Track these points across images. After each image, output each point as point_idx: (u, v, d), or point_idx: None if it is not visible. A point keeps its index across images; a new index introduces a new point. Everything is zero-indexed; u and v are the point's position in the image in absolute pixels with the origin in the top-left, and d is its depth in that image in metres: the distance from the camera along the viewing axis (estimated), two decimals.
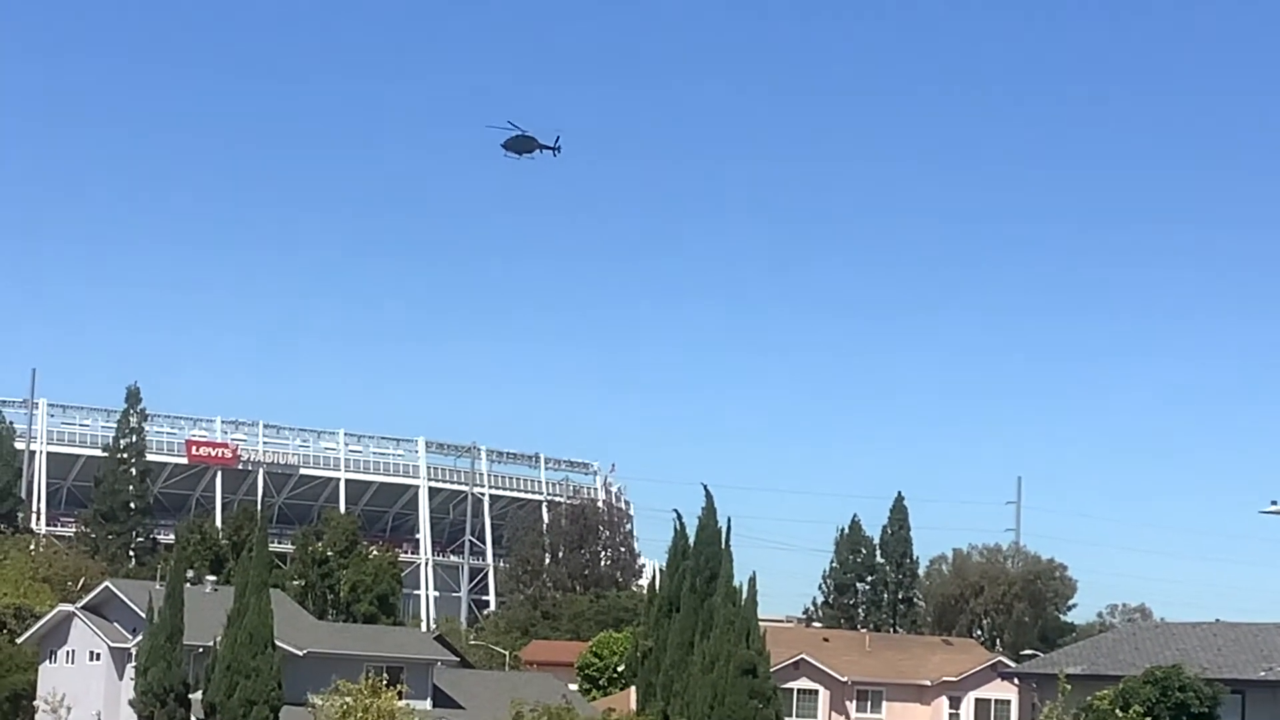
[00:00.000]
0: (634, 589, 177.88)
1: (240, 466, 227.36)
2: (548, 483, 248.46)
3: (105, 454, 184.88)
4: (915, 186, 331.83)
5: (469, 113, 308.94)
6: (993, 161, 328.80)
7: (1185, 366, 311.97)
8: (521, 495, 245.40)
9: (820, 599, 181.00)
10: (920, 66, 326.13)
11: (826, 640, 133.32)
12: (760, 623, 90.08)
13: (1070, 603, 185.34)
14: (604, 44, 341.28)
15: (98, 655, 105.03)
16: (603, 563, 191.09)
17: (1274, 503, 68.11)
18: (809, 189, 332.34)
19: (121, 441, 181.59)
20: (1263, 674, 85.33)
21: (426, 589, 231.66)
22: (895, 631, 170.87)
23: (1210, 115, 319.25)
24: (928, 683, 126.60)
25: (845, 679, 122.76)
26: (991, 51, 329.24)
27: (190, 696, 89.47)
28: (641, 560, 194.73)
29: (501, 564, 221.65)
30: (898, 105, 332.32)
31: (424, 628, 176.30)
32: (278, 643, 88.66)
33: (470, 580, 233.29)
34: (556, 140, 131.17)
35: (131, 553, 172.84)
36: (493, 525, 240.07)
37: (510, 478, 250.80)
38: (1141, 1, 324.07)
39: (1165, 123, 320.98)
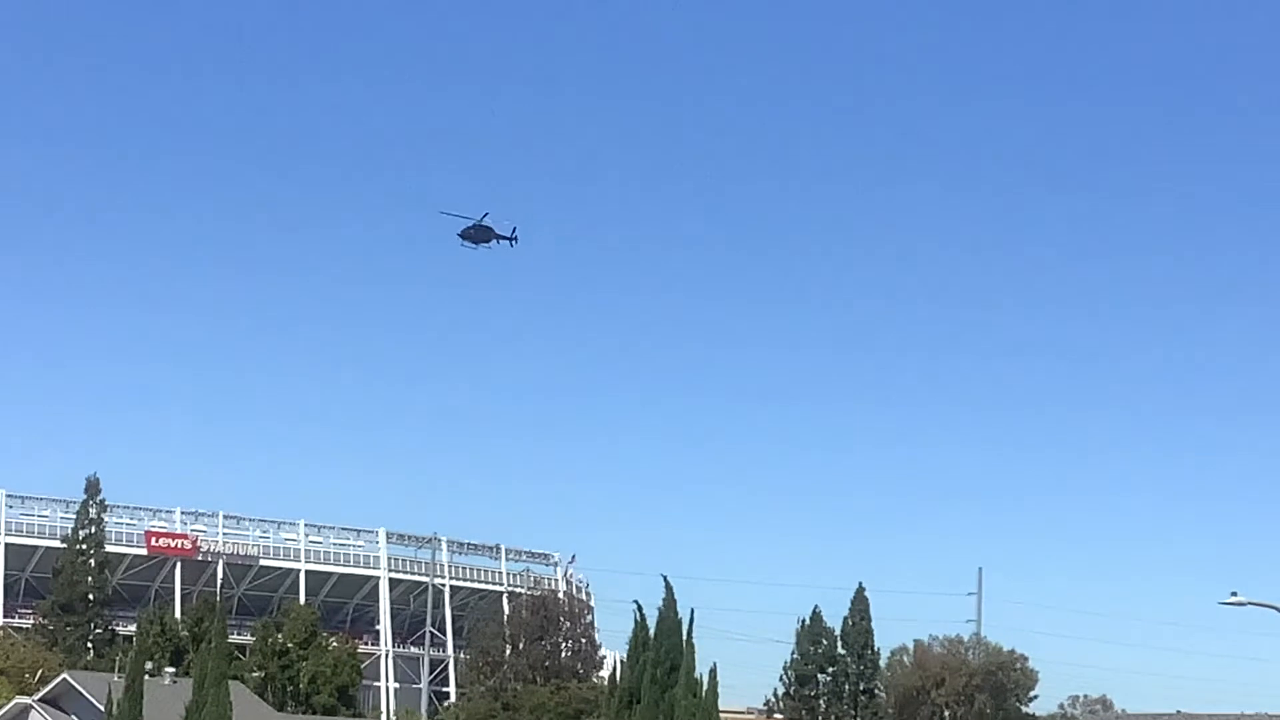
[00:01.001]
0: (595, 680, 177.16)
1: (200, 558, 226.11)
2: (508, 574, 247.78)
3: (64, 545, 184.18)
4: (878, 274, 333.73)
5: (426, 201, 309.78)
6: (952, 252, 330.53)
7: (1144, 459, 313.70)
8: (482, 586, 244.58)
9: (781, 690, 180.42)
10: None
11: None
12: (722, 714, 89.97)
13: (1032, 694, 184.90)
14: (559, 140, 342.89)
15: None
16: (564, 654, 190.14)
17: (1234, 594, 68.24)
18: (770, 273, 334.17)
19: (80, 532, 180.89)
20: None
21: (387, 680, 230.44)
22: None
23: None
24: None
25: None
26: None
27: None
28: (602, 651, 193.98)
29: (462, 655, 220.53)
30: (854, 201, 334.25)
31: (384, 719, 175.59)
32: None
33: (431, 671, 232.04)
34: (513, 231, 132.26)
35: (90, 644, 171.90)
36: (453, 616, 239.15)
37: (471, 569, 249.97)
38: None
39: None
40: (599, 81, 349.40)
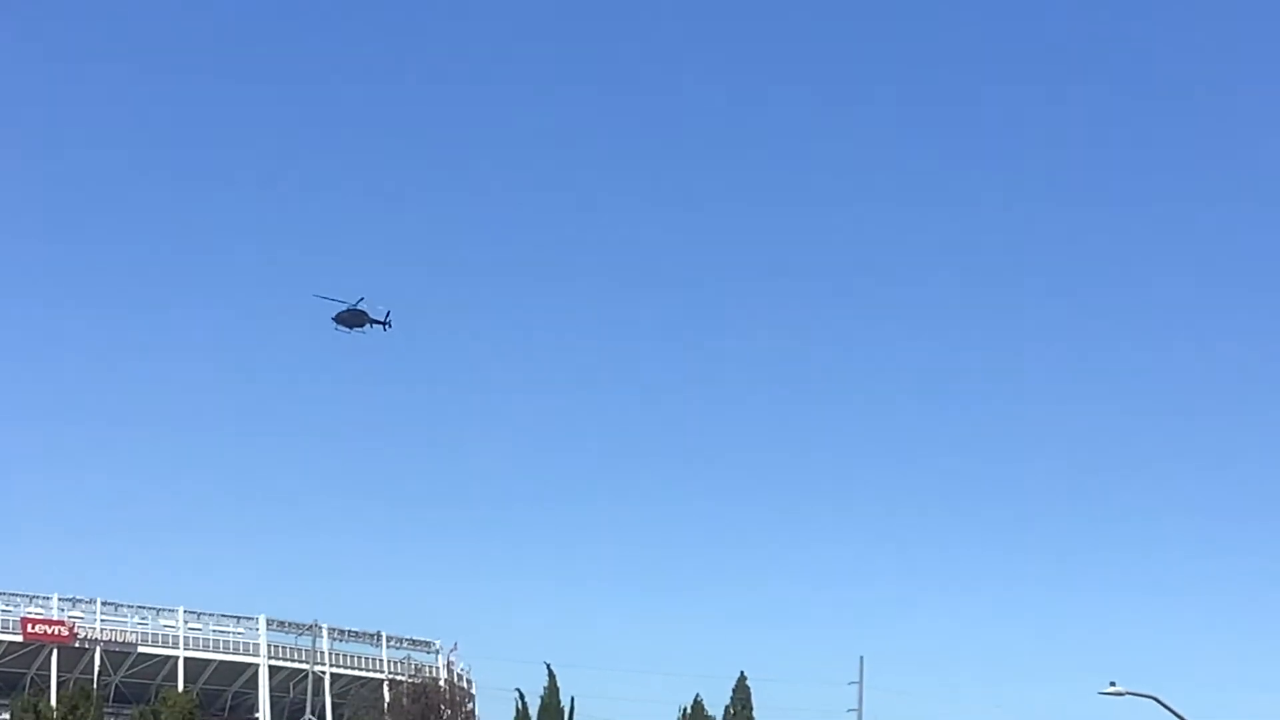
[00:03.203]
0: None
1: (77, 645, 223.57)
2: (389, 661, 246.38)
3: None
4: (752, 371, 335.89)
5: (299, 281, 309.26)
6: (831, 340, 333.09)
7: (1023, 548, 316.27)
8: (363, 674, 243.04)
9: None
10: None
11: None
12: None
13: None
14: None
15: None
16: None
17: (1112, 684, 69.09)
18: (630, 360, 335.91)
19: None
20: None
21: None
22: None
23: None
24: None
25: None
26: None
27: None
28: None
29: None
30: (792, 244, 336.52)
31: None
32: None
33: None
34: (387, 315, 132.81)
35: None
36: (334, 704, 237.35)
37: (352, 656, 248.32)
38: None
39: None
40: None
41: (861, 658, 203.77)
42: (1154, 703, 68.81)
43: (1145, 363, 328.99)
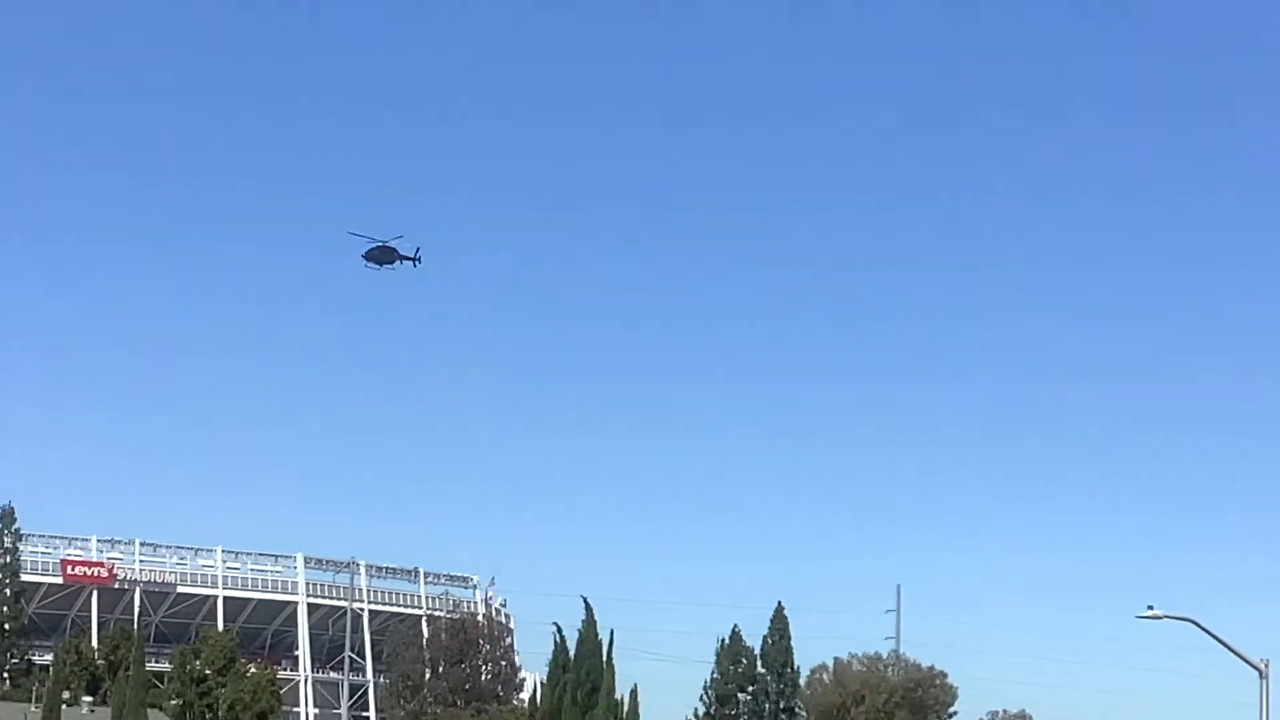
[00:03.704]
0: (515, 703, 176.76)
1: (116, 586, 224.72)
2: (427, 597, 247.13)
3: None
4: (811, 294, 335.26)
5: (337, 220, 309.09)
6: (886, 270, 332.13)
7: (1060, 472, 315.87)
8: (401, 610, 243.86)
9: (701, 710, 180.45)
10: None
11: None
12: None
13: (951, 710, 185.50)
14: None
15: None
16: (484, 677, 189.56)
17: (1150, 607, 68.77)
18: (686, 291, 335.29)
19: None
20: None
21: (306, 706, 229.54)
22: None
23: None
24: None
25: None
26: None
27: None
28: (523, 674, 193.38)
29: (382, 679, 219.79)
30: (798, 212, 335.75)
31: None
32: None
33: (350, 696, 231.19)
34: (417, 252, 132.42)
35: (6, 675, 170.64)
36: (372, 641, 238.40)
37: (389, 593, 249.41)
38: None
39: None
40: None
41: (899, 586, 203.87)
42: (1192, 625, 68.55)
43: (1189, 283, 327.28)
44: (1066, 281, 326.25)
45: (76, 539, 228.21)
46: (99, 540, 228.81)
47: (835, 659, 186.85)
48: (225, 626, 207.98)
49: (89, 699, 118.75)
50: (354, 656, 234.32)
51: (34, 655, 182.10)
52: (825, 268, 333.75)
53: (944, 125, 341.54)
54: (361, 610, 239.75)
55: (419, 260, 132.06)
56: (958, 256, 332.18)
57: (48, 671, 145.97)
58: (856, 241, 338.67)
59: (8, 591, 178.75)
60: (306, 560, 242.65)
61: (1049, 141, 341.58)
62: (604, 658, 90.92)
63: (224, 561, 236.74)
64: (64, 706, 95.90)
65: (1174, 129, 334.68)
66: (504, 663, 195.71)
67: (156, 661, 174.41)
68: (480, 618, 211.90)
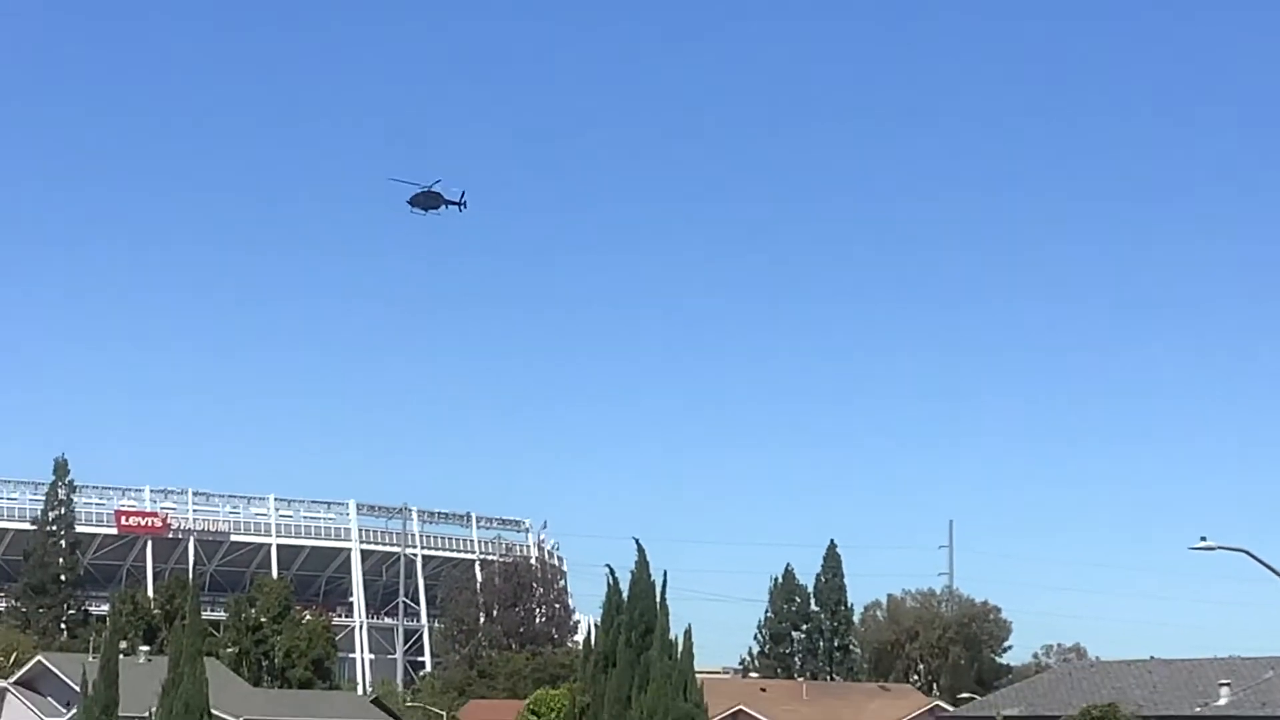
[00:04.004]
0: (569, 645, 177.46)
1: (170, 535, 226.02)
2: (480, 541, 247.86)
3: (34, 527, 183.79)
4: (843, 224, 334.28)
5: (383, 162, 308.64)
6: (919, 201, 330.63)
7: (1113, 404, 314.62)
8: (454, 555, 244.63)
9: (756, 649, 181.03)
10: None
11: (764, 690, 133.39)
12: (697, 675, 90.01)
13: (1005, 644, 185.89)
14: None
15: None
16: (538, 620, 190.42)
17: (1203, 539, 68.20)
18: (733, 228, 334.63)
19: (50, 514, 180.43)
20: (1197, 709, 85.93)
21: (362, 652, 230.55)
22: (832, 679, 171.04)
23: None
24: None
25: None
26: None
27: None
28: (576, 616, 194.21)
29: (436, 624, 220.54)
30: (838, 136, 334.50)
31: (360, 691, 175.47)
32: (214, 711, 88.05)
33: (405, 642, 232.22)
34: (462, 196, 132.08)
35: (63, 626, 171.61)
36: (426, 586, 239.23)
37: (442, 538, 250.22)
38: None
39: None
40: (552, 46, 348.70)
41: (951, 521, 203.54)
42: (1246, 556, 68.00)
43: (1240, 215, 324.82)
44: (1124, 211, 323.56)
45: (130, 489, 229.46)
46: (152, 490, 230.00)
47: (889, 595, 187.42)
48: (279, 574, 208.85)
49: (146, 648, 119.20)
50: (408, 602, 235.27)
51: (90, 606, 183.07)
52: (887, 194, 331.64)
53: None
54: (414, 556, 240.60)
55: (464, 204, 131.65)
56: (1019, 180, 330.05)
57: (104, 622, 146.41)
58: (919, 167, 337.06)
59: (63, 543, 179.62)
60: (359, 507, 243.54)
61: None
62: (657, 599, 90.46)
63: (277, 509, 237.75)
64: (121, 656, 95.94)
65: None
66: (557, 605, 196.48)
67: (212, 610, 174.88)
68: (533, 561, 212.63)
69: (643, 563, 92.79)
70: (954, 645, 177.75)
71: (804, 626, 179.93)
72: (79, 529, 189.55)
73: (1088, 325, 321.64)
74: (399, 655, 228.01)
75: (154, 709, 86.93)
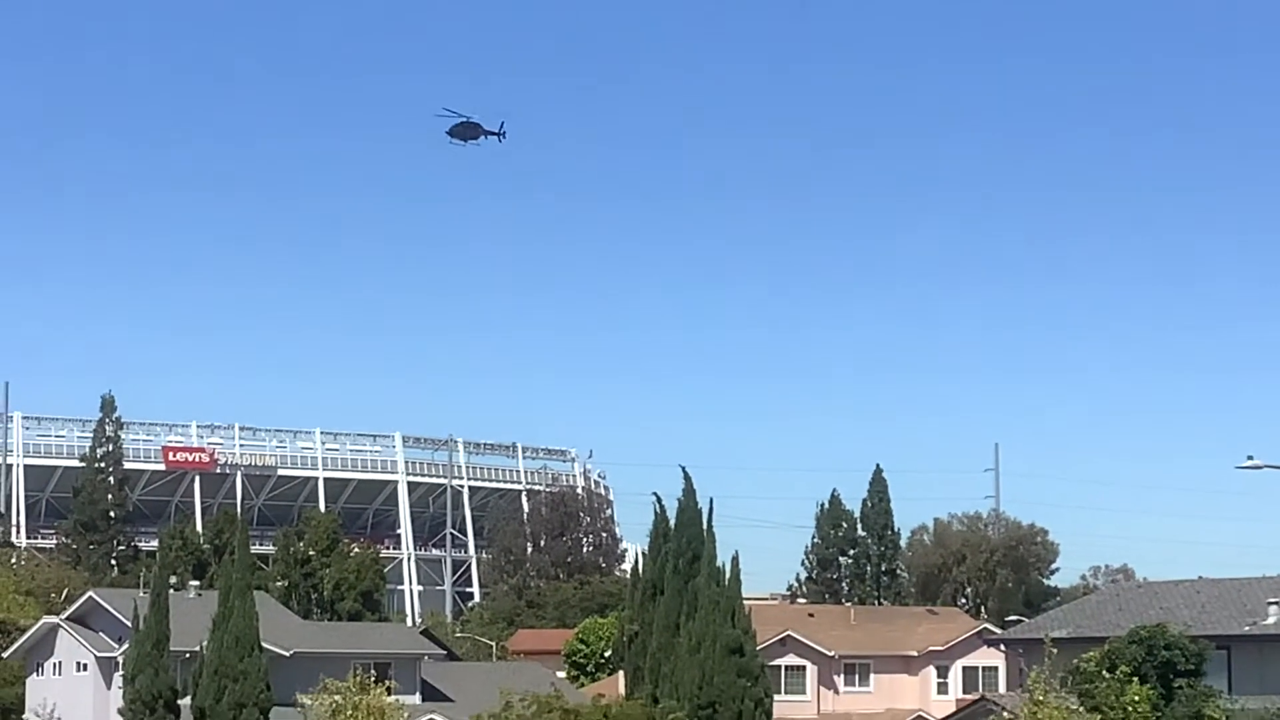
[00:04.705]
0: (617, 574, 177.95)
1: (218, 470, 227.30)
2: (526, 472, 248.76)
3: (82, 464, 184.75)
4: (877, 158, 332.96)
5: (427, 102, 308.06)
6: (954, 140, 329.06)
7: (1157, 326, 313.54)
8: (500, 486, 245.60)
9: (803, 575, 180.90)
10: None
11: (811, 616, 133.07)
12: (744, 601, 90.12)
13: (1053, 567, 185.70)
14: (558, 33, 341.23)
15: (85, 666, 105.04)
16: (585, 549, 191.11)
17: (1250, 458, 67.97)
18: (770, 169, 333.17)
19: (98, 451, 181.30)
20: (1247, 629, 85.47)
21: (410, 584, 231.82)
22: (879, 604, 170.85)
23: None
24: (914, 653, 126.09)
25: (832, 653, 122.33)
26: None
27: (179, 702, 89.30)
28: (623, 545, 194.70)
29: (484, 555, 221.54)
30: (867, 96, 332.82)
31: (409, 623, 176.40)
32: (264, 644, 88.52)
33: (453, 573, 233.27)
34: (501, 126, 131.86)
35: (114, 562, 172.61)
36: (473, 517, 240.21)
37: (488, 469, 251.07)
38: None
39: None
40: None
41: (997, 445, 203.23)
42: None
43: None
44: (1185, 149, 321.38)
45: (177, 425, 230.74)
46: (199, 426, 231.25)
47: (935, 520, 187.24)
48: (327, 508, 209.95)
49: (195, 583, 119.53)
50: (455, 533, 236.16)
51: (139, 541, 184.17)
52: (936, 131, 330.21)
53: None
54: (461, 487, 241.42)
55: (504, 135, 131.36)
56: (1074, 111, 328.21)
57: (154, 557, 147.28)
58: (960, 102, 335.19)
59: (112, 479, 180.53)
60: (405, 439, 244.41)
61: None
62: (704, 526, 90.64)
63: (323, 443, 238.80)
64: (171, 591, 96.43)
65: None
66: (604, 534, 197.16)
67: (260, 544, 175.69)
68: (579, 491, 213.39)
69: (689, 490, 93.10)
70: (1001, 568, 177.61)
71: (851, 552, 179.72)
72: (127, 465, 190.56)
73: (1131, 247, 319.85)
74: (447, 586, 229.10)
75: (205, 643, 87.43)
